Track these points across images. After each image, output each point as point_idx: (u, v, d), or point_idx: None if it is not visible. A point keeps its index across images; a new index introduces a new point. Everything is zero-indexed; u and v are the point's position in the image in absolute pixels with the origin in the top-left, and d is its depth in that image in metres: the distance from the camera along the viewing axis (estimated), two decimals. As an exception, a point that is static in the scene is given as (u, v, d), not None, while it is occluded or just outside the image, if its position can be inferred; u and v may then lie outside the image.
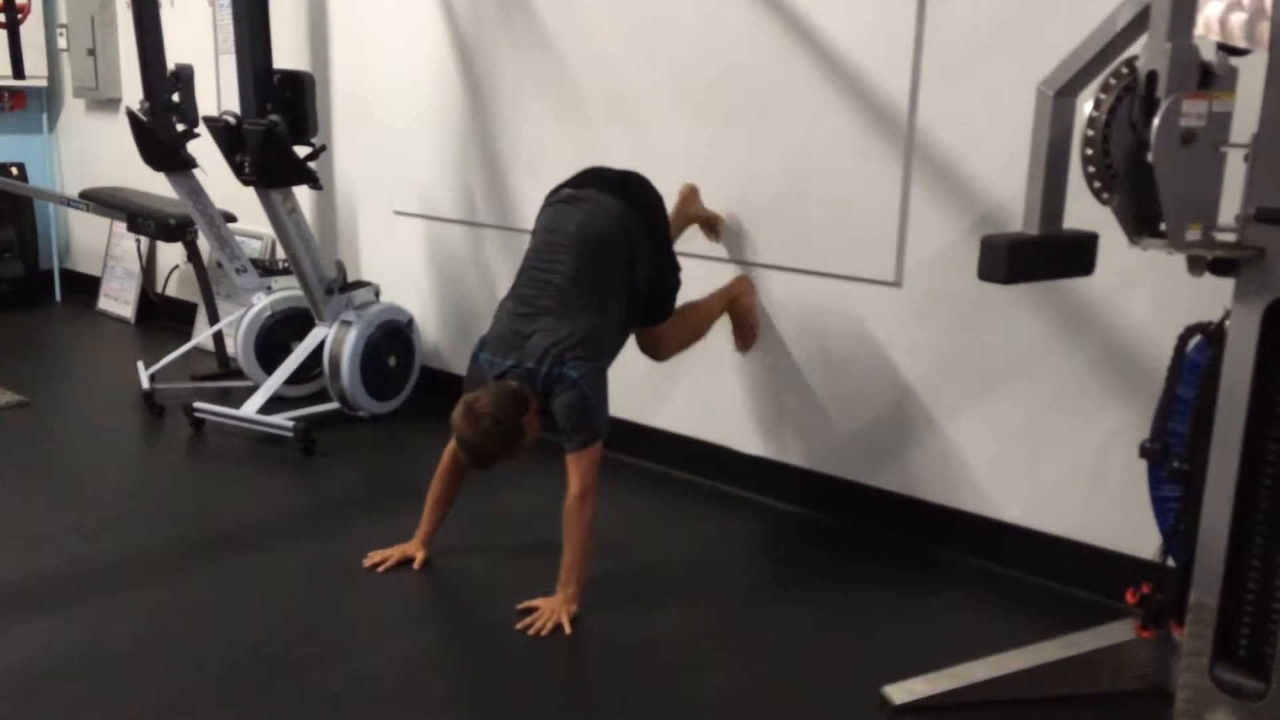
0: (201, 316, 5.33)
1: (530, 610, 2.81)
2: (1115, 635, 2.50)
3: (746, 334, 3.51)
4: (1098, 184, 2.06)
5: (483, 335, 2.98)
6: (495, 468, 2.83)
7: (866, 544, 3.33)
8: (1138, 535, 2.66)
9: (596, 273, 2.93)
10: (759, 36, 3.37)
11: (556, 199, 3.06)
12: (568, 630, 2.75)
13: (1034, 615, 2.84)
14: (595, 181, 3.07)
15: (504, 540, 3.31)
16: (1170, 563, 2.39)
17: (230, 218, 4.73)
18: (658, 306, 3.18)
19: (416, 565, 3.09)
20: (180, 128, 4.45)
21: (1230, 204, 2.02)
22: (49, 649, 2.65)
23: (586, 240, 2.93)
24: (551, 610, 2.79)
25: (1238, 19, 2.04)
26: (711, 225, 3.54)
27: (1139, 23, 2.00)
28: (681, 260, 3.52)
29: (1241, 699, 2.14)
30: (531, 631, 2.74)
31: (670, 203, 3.36)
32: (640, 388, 3.86)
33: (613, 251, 2.96)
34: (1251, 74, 1.99)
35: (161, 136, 4.42)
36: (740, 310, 3.48)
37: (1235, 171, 2.01)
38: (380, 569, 3.07)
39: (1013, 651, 2.52)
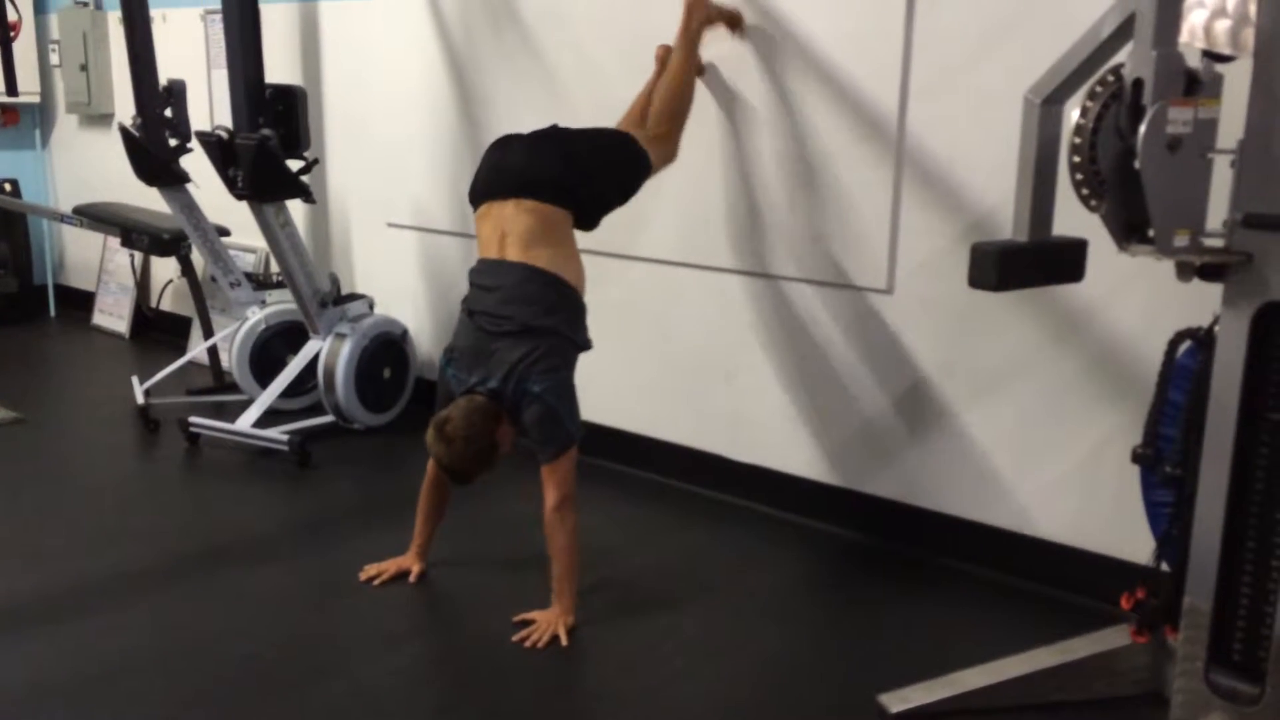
0: (196, 331, 5.33)
1: (527, 623, 2.82)
2: (1110, 640, 2.50)
3: (732, 23, 3.37)
4: (1086, 191, 2.07)
5: (449, 345, 2.97)
6: (477, 481, 2.82)
7: (859, 551, 3.33)
8: (1131, 540, 2.66)
9: (548, 295, 2.88)
10: (748, 46, 3.38)
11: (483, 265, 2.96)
12: (564, 642, 2.76)
13: (1028, 621, 2.84)
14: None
15: (497, 551, 3.30)
16: (1164, 567, 2.39)
17: (224, 231, 4.74)
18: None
19: (412, 578, 3.09)
20: (173, 142, 4.45)
21: (1218, 210, 2.03)
22: (44, 664, 2.65)
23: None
24: (548, 622, 2.80)
25: (1222, 26, 2.05)
26: (734, 23, 3.38)
27: (1124, 31, 2.01)
28: (672, 269, 3.53)
29: (1236, 703, 2.14)
30: (528, 644, 2.75)
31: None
32: (634, 398, 3.86)
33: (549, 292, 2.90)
34: (1236, 80, 2.00)
35: (154, 151, 4.42)
36: (709, 23, 3.35)
37: (1222, 178, 2.02)
38: (376, 582, 3.07)
39: (1008, 658, 2.52)
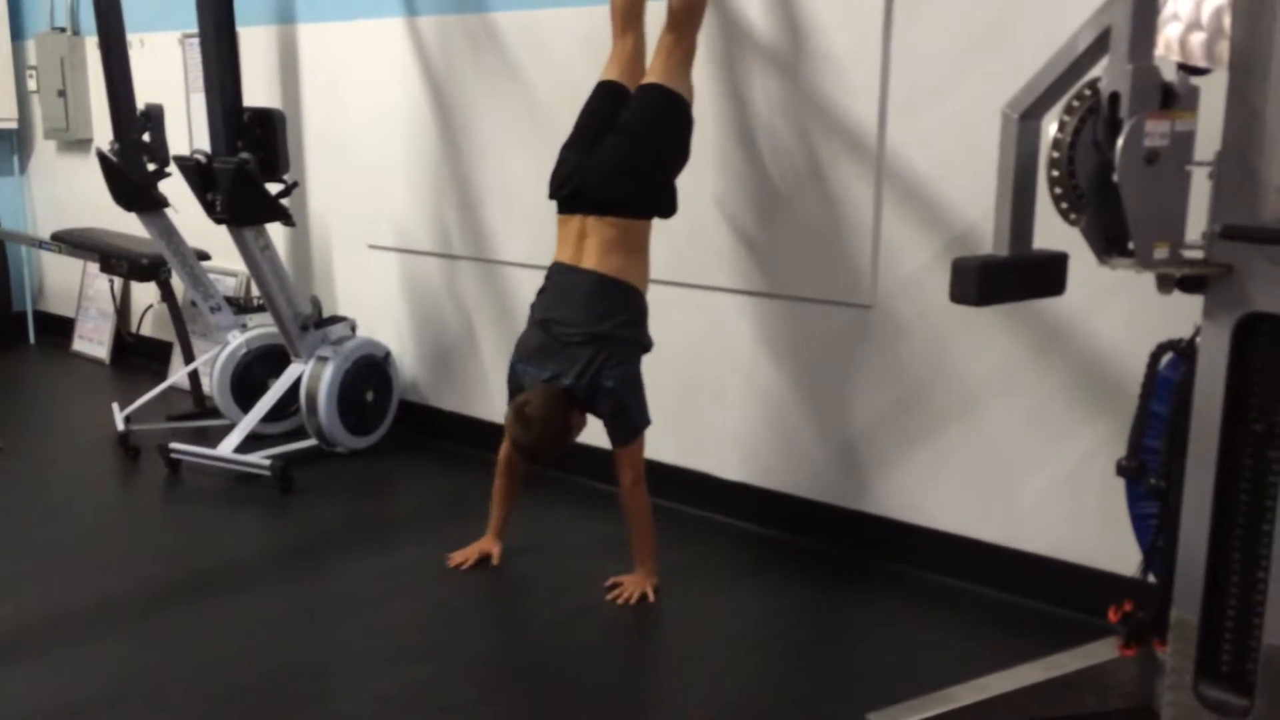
0: (177, 356, 5.29)
1: (617, 585, 3.10)
2: (1098, 654, 2.49)
3: None
4: (1065, 205, 2.07)
5: (518, 344, 3.16)
6: (548, 462, 3.06)
7: (845, 567, 3.32)
8: (1118, 552, 2.66)
9: (615, 303, 3.09)
10: (728, 65, 3.39)
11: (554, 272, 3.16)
12: (651, 598, 3.05)
13: (1016, 636, 2.84)
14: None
15: (485, 576, 3.28)
16: (1151, 579, 2.39)
17: (203, 256, 4.72)
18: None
19: (494, 560, 3.30)
20: (151, 167, 4.44)
21: (1196, 222, 2.04)
22: (27, 696, 2.62)
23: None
24: (636, 583, 3.09)
25: (1197, 39, 2.06)
26: None
27: (1100, 45, 2.02)
28: (656, 287, 3.52)
29: (1226, 716, 2.13)
30: (620, 601, 3.05)
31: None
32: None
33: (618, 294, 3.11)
34: (1213, 93, 2.01)
35: (132, 176, 4.40)
36: None
37: (1200, 190, 2.03)
38: (463, 568, 3.27)
39: (996, 674, 2.51)
